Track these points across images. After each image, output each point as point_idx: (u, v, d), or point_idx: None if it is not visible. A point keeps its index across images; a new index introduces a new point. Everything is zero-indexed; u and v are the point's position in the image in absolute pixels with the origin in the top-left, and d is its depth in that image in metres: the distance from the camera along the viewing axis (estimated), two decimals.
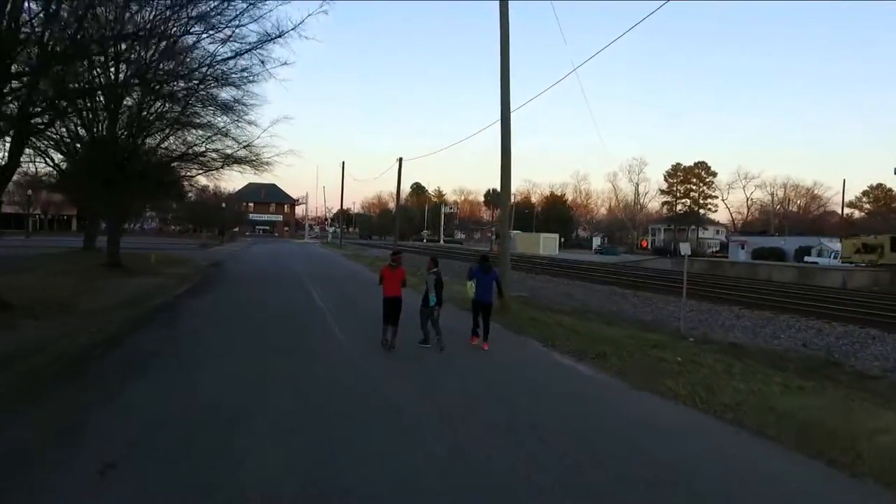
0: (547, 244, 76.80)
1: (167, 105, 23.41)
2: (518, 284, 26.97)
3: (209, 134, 24.06)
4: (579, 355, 11.21)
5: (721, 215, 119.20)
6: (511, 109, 17.41)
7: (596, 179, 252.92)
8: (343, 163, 70.19)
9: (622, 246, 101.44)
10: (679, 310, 20.00)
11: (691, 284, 27.49)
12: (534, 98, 78.78)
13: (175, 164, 25.35)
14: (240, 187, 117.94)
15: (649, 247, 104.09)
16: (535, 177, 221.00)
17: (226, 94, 22.93)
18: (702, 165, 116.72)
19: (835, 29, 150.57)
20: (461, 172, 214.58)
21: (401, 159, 33.94)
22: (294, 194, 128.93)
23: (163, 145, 25.34)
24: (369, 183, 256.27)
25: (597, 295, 23.92)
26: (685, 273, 15.21)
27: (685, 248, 15.00)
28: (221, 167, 25.29)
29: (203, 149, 24.38)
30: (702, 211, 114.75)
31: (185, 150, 24.69)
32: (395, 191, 36.88)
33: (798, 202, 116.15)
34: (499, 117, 17.27)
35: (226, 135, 23.76)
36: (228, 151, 24.72)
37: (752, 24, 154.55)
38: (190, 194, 39.32)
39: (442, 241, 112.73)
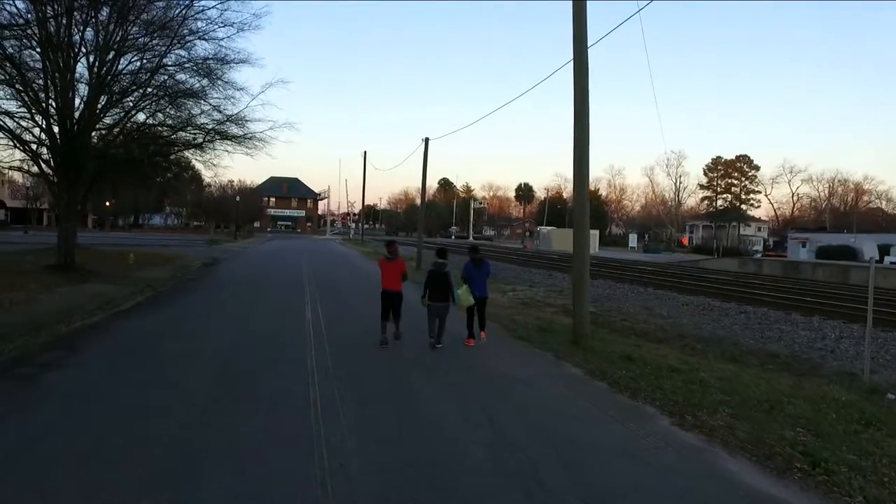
0: None
1: (134, 62, 18.60)
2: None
3: (186, 101, 19.06)
4: (764, 457, 5.79)
5: (760, 211, 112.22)
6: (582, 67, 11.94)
7: (632, 174, 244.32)
8: (365, 152, 65.12)
9: (660, 243, 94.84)
10: (818, 336, 14.35)
11: (802, 295, 21.69)
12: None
13: (143, 139, 20.30)
14: (260, 181, 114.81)
15: (689, 244, 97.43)
16: (567, 171, 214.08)
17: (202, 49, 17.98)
18: (744, 159, 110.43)
19: (875, 20, 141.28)
20: (489, 167, 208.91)
21: (427, 139, 28.77)
22: (317, 189, 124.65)
23: (132, 119, 20.33)
24: (394, 176, 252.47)
25: (684, 309, 18.25)
26: (871, 287, 9.53)
27: (870, 249, 9.44)
28: (203, 143, 20.24)
29: (170, 119, 19.38)
30: (743, 206, 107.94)
31: (147, 120, 19.59)
32: (421, 186, 31.70)
33: (846, 197, 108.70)
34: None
35: (199, 97, 18.69)
36: (209, 125, 19.69)
37: (794, 13, 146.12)
38: (180, 177, 34.18)
39: (471, 238, 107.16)
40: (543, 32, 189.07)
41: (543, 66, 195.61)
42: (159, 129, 20.39)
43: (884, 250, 52.07)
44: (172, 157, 22.91)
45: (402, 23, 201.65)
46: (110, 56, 17.84)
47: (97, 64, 18.43)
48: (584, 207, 11.44)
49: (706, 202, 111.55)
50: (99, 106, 18.72)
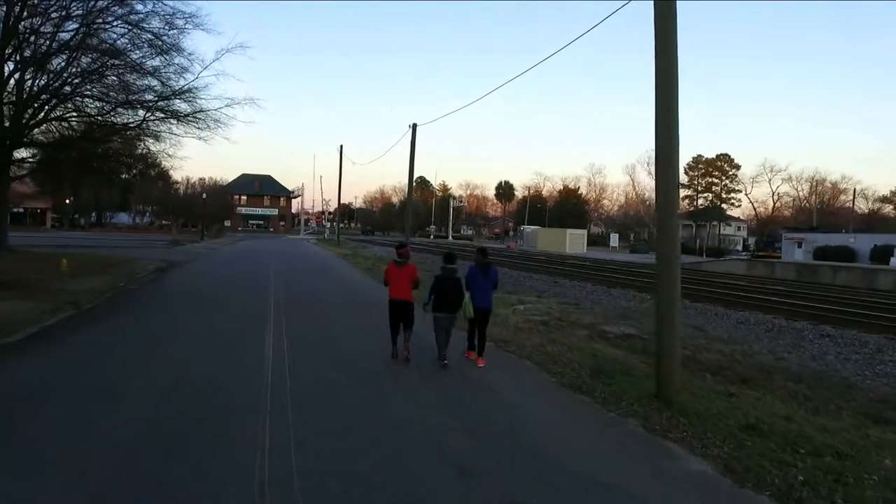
0: (574, 242, 67.66)
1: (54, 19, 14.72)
2: (597, 307, 18.10)
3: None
4: None
5: (737, 210, 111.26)
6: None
7: (612, 172, 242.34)
8: (341, 147, 61.23)
9: (642, 242, 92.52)
10: None
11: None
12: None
13: (72, 118, 16.42)
14: (231, 179, 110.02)
15: None
16: (546, 169, 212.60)
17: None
18: (724, 158, 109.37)
19: (858, 21, 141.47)
20: (466, 166, 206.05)
21: (415, 125, 25.34)
22: (291, 186, 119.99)
23: (59, 93, 16.35)
24: (370, 175, 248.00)
25: (742, 329, 14.97)
26: None
27: None
28: (144, 122, 16.46)
29: (106, 97, 15.51)
30: (724, 206, 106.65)
31: (67, 89, 15.57)
32: (398, 185, 28.18)
33: (824, 197, 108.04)
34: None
35: (140, 69, 14.89)
36: (152, 100, 15.87)
37: (771, 12, 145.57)
38: (145, 174, 30.21)
39: (451, 238, 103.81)
40: (524, 31, 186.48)
41: (522, 61, 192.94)
42: (90, 102, 16.46)
43: (887, 251, 49.91)
44: (114, 141, 19.01)
45: (377, 18, 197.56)
46: (16, 10, 13.91)
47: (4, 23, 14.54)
48: (672, 210, 7.98)
49: (687, 201, 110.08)
50: (7, 74, 14.83)
